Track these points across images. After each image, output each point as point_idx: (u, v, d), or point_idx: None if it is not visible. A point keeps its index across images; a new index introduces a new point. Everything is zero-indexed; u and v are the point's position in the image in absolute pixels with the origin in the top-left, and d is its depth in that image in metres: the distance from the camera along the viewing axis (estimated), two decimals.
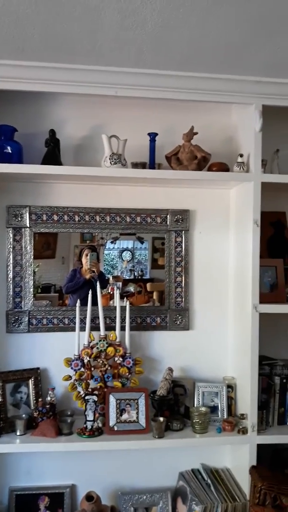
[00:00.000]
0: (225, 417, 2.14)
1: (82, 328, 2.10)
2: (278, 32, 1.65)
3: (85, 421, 1.99)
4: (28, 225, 2.15)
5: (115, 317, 2.14)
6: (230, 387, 2.20)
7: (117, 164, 2.00)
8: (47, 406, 2.02)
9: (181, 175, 2.04)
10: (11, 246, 2.15)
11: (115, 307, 2.15)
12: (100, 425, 2.02)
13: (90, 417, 1.99)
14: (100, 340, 2.10)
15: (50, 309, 2.19)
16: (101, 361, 2.08)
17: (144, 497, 2.16)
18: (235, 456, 2.22)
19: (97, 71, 1.91)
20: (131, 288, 2.27)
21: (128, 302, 2.16)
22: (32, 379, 2.12)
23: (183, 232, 2.27)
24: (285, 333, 2.39)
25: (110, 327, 2.16)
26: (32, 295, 2.17)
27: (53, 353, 2.17)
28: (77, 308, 2.10)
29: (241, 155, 2.08)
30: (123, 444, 1.96)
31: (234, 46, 1.74)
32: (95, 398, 2.00)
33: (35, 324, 2.17)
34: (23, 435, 1.97)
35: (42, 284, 2.19)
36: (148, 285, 2.28)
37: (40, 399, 2.08)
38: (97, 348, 2.09)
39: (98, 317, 2.12)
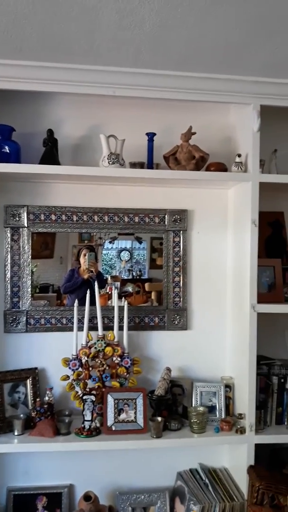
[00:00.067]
0: (223, 417, 2.14)
1: (80, 328, 2.10)
2: (277, 32, 1.65)
3: (83, 421, 1.99)
4: (26, 224, 2.15)
5: (113, 317, 2.14)
6: (228, 387, 2.20)
7: (115, 164, 2.00)
8: (45, 406, 2.02)
9: (179, 175, 2.04)
10: (9, 245, 2.15)
11: (113, 307, 2.15)
12: (98, 425, 2.02)
13: (88, 417, 1.99)
14: (98, 340, 2.10)
15: (48, 309, 2.18)
16: (99, 361, 2.08)
17: (142, 497, 2.17)
18: (233, 455, 2.23)
19: (95, 71, 1.91)
20: (130, 288, 2.26)
21: (126, 302, 2.16)
22: (30, 379, 2.12)
23: (181, 232, 2.27)
24: (283, 333, 2.39)
25: (108, 327, 2.16)
26: (30, 295, 2.17)
27: (51, 353, 2.17)
28: (75, 308, 2.10)
29: (239, 155, 2.08)
30: (121, 444, 1.96)
31: (233, 46, 1.74)
32: (93, 398, 2.00)
33: (33, 324, 2.17)
34: (21, 435, 1.96)
35: (40, 284, 2.19)
36: (147, 285, 2.28)
37: (38, 399, 2.07)
38: (95, 348, 2.09)
39: (96, 317, 2.12)
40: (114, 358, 2.08)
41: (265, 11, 1.53)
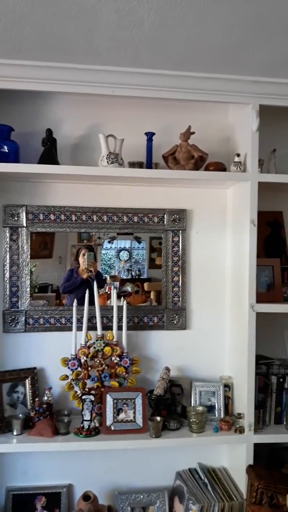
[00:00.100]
0: (222, 416, 2.14)
1: (79, 328, 2.10)
2: (276, 32, 1.65)
3: (82, 420, 1.99)
4: (24, 224, 2.15)
5: (112, 316, 2.14)
6: (227, 387, 2.20)
7: (114, 163, 1.99)
8: (44, 405, 2.02)
9: (178, 174, 2.04)
10: (8, 245, 2.15)
11: (112, 306, 2.15)
12: (97, 424, 2.02)
13: (87, 416, 1.99)
14: (97, 340, 2.10)
15: (47, 309, 2.18)
16: (98, 361, 2.08)
17: (141, 496, 2.16)
18: (232, 455, 2.23)
19: (94, 71, 1.91)
20: (129, 287, 2.26)
21: (125, 302, 2.15)
22: (29, 378, 2.12)
23: (180, 231, 2.27)
24: (282, 333, 2.39)
25: (107, 327, 2.16)
26: (29, 295, 2.17)
27: (50, 352, 2.17)
28: (74, 308, 2.09)
29: (238, 155, 2.08)
30: (120, 443, 1.96)
31: (232, 46, 1.74)
32: (92, 397, 2.00)
33: (32, 324, 2.17)
34: (20, 435, 1.96)
35: (39, 283, 2.19)
36: (146, 284, 2.28)
37: (37, 399, 2.07)
38: (94, 347, 2.09)
39: (95, 317, 2.12)
40: (113, 358, 2.08)
41: (264, 11, 1.53)
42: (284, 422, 2.16)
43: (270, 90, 2.02)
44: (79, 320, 2.11)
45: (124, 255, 2.26)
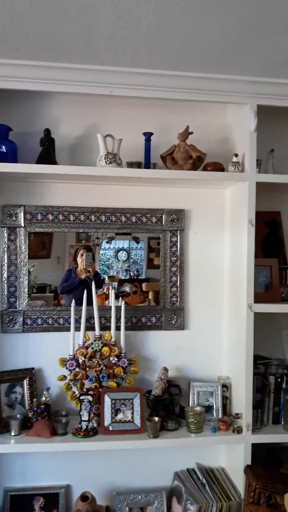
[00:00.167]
0: (220, 416, 2.14)
1: (77, 328, 2.09)
2: (274, 32, 1.65)
3: (80, 421, 1.99)
4: (22, 224, 2.15)
5: (110, 317, 2.13)
6: (225, 387, 2.20)
7: (112, 163, 1.99)
8: (42, 406, 2.02)
9: (176, 174, 2.04)
10: (6, 245, 2.14)
11: (110, 307, 2.14)
12: (95, 425, 2.02)
13: (85, 417, 1.99)
14: (95, 340, 2.09)
15: (45, 309, 2.18)
16: (96, 361, 2.08)
17: (139, 497, 2.16)
18: (230, 455, 2.23)
19: (92, 71, 1.91)
20: (127, 288, 2.26)
21: (123, 302, 2.15)
22: (27, 379, 2.11)
23: (178, 232, 2.27)
24: (279, 333, 2.40)
25: (105, 327, 2.16)
26: (27, 295, 2.16)
27: (48, 353, 2.16)
28: (72, 308, 2.09)
29: (236, 155, 2.09)
30: (118, 444, 1.96)
31: (230, 46, 1.75)
32: (90, 398, 1.99)
33: (29, 324, 2.17)
34: (18, 436, 1.96)
35: (37, 284, 2.18)
36: (144, 285, 2.28)
37: (34, 399, 2.07)
38: (92, 348, 2.09)
39: (93, 317, 2.11)
40: (111, 358, 2.08)
41: (262, 11, 1.53)
42: (282, 422, 2.16)
43: (268, 90, 2.02)
44: (77, 321, 2.11)
45: (122, 255, 2.26)
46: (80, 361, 2.06)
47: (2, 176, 2.02)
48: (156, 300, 2.27)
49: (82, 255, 2.20)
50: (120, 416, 2.02)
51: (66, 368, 2.06)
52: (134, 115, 2.20)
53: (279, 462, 2.18)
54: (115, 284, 2.25)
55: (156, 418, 2.02)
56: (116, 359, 2.08)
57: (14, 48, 1.76)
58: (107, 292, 2.24)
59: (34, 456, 2.17)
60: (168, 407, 2.15)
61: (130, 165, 2.09)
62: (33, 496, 2.14)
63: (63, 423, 1.99)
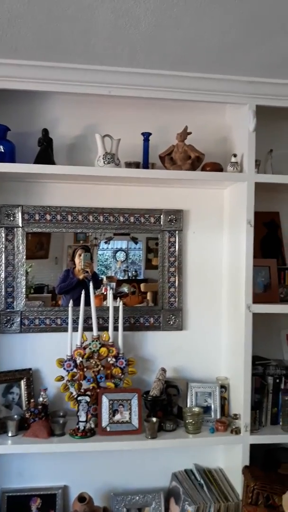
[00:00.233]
0: (218, 417, 2.14)
1: (75, 329, 2.09)
2: (272, 32, 1.65)
3: (77, 422, 1.98)
4: (20, 224, 2.14)
5: (108, 317, 2.13)
6: (223, 387, 2.20)
7: (110, 163, 1.99)
8: (39, 407, 2.01)
9: (175, 175, 2.04)
10: (3, 246, 2.14)
11: (108, 307, 2.14)
12: (92, 426, 2.01)
13: (83, 418, 1.98)
14: (93, 341, 2.09)
15: (42, 310, 2.17)
16: (93, 362, 2.07)
17: (137, 497, 2.16)
18: (228, 456, 2.22)
19: (90, 71, 1.90)
20: (125, 288, 2.26)
21: (121, 303, 2.15)
22: (24, 379, 2.11)
23: (177, 232, 2.26)
24: (278, 333, 2.39)
25: (103, 328, 2.15)
26: (25, 296, 2.16)
27: (46, 353, 2.16)
28: (70, 309, 2.09)
29: (235, 155, 2.08)
30: (115, 444, 1.95)
31: (228, 46, 1.74)
32: (87, 398, 1.99)
33: (27, 325, 2.16)
34: (15, 436, 1.95)
35: (35, 284, 2.18)
36: (142, 285, 2.27)
37: (32, 400, 2.06)
38: (90, 348, 2.08)
39: (91, 318, 2.11)
40: (109, 359, 2.08)
41: (260, 12, 1.53)
42: (280, 423, 2.15)
43: (267, 91, 2.02)
44: (75, 321, 2.10)
45: (120, 255, 2.26)
46: (78, 361, 2.06)
47: (0, 176, 2.02)
48: (154, 301, 2.26)
49: (80, 255, 2.19)
50: (117, 417, 2.02)
51: (64, 368, 2.06)
52: (132, 115, 2.20)
53: (277, 462, 2.18)
54: (113, 284, 2.25)
55: (154, 419, 2.02)
56: (114, 359, 2.07)
57: (12, 47, 1.76)
58: (105, 293, 2.23)
59: (31, 457, 2.16)
60: (166, 408, 2.15)
61: (129, 165, 2.09)
62: (30, 497, 2.13)
63: (61, 424, 1.99)
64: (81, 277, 2.19)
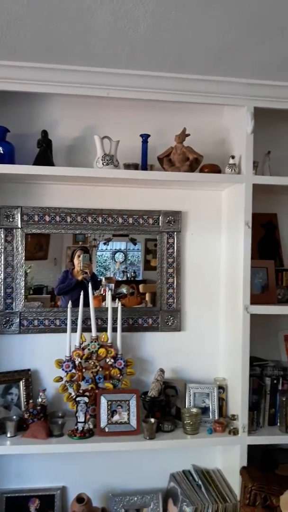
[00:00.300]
0: (216, 418, 2.14)
1: (74, 330, 2.09)
2: (270, 34, 1.66)
3: (76, 422, 1.99)
4: (19, 225, 2.15)
5: (107, 318, 2.13)
6: (221, 388, 2.20)
7: (109, 165, 2.00)
8: (38, 407, 2.01)
9: (173, 176, 2.05)
10: (2, 247, 2.14)
11: (107, 308, 2.15)
12: (91, 426, 2.02)
13: (81, 418, 1.98)
14: (91, 342, 2.09)
15: (41, 310, 2.18)
16: (92, 363, 2.07)
17: (135, 498, 2.16)
18: (226, 457, 2.23)
19: (89, 72, 1.91)
20: (124, 289, 2.26)
21: (120, 303, 2.15)
22: (23, 380, 2.11)
23: (175, 233, 2.27)
24: (276, 334, 2.40)
25: (101, 328, 2.15)
26: (24, 296, 2.16)
27: (44, 354, 2.16)
28: (69, 309, 2.09)
29: (233, 157, 2.09)
30: (114, 445, 1.95)
31: (226, 48, 1.75)
32: (86, 399, 1.99)
33: (26, 325, 2.16)
34: (14, 437, 1.95)
35: (34, 285, 2.18)
36: (141, 286, 2.28)
37: (31, 401, 2.07)
38: (89, 349, 2.09)
39: (90, 319, 2.11)
40: (108, 360, 2.08)
41: (259, 13, 1.53)
42: (278, 424, 2.16)
43: (265, 93, 2.03)
44: (74, 322, 2.11)
45: (119, 256, 2.26)
46: (77, 362, 2.06)
47: None
48: (153, 302, 2.27)
49: (79, 256, 2.20)
50: (116, 417, 2.02)
51: (63, 369, 2.06)
52: (131, 117, 2.21)
53: (275, 463, 2.19)
54: (112, 285, 2.25)
55: (152, 420, 2.02)
56: (112, 360, 2.08)
57: (12, 49, 1.77)
58: (104, 294, 2.24)
59: (30, 458, 2.16)
60: (164, 409, 2.15)
61: (127, 166, 2.10)
62: (29, 497, 2.13)
63: (59, 425, 1.99)
64: (80, 278, 2.20)
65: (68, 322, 2.09)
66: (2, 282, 2.14)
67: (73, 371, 2.06)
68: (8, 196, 2.15)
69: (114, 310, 2.14)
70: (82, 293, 2.11)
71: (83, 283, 2.19)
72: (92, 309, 2.11)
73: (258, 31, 1.64)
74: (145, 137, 2.12)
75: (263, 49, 1.76)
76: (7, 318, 2.15)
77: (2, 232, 2.14)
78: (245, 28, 1.62)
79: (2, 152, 1.96)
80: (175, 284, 2.27)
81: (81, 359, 2.06)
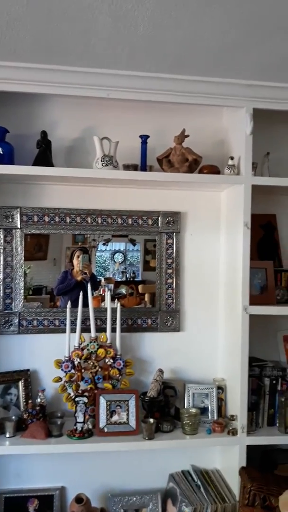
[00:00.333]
0: (215, 418, 2.15)
1: (73, 330, 2.09)
2: (270, 35, 1.66)
3: (75, 422, 1.99)
4: (19, 226, 2.15)
5: (106, 318, 2.14)
6: (220, 389, 2.21)
7: (108, 166, 2.00)
8: (37, 408, 2.02)
9: (172, 177, 2.05)
10: (2, 247, 2.14)
11: (106, 308, 2.15)
12: (90, 426, 2.02)
13: (80, 418, 1.98)
14: (90, 342, 2.09)
15: (40, 311, 2.18)
16: (91, 363, 2.07)
17: (134, 499, 2.16)
18: (225, 457, 2.23)
19: (89, 73, 1.91)
20: (123, 290, 2.27)
21: (119, 304, 2.16)
22: (22, 380, 2.11)
23: (174, 234, 2.28)
24: (275, 335, 2.40)
25: (101, 329, 2.16)
26: (23, 297, 2.16)
27: (44, 354, 2.16)
28: (68, 310, 2.09)
29: (232, 158, 2.10)
30: (113, 445, 1.96)
31: (226, 49, 1.76)
32: (85, 399, 1.99)
33: (25, 326, 2.17)
34: (13, 437, 1.96)
35: (33, 285, 2.18)
36: (140, 287, 2.28)
37: (30, 401, 2.07)
38: (88, 349, 2.09)
39: (89, 319, 2.12)
40: (107, 360, 2.08)
41: (259, 13, 1.53)
42: (277, 424, 2.16)
43: (264, 94, 2.03)
44: (73, 322, 2.11)
45: (118, 257, 2.27)
46: (76, 362, 2.06)
47: None
48: (152, 302, 2.27)
49: (78, 257, 2.20)
50: (115, 417, 2.02)
51: (62, 369, 2.06)
52: (130, 117, 2.21)
53: (274, 464, 2.19)
54: (111, 286, 2.25)
55: (151, 420, 2.02)
56: (111, 360, 2.08)
57: (11, 50, 1.77)
58: (103, 294, 2.24)
59: (28, 458, 2.16)
60: (163, 409, 2.15)
61: (127, 167, 2.10)
62: (28, 498, 2.13)
63: (58, 425, 1.99)
64: (79, 278, 2.20)
65: (68, 322, 2.09)
66: (1, 283, 2.14)
67: (72, 371, 2.06)
68: (7, 197, 2.16)
69: (113, 310, 2.15)
70: (81, 293, 2.11)
71: (83, 283, 2.19)
72: (91, 309, 2.11)
73: (258, 31, 1.64)
74: (144, 138, 2.12)
75: (263, 49, 1.76)
76: (6, 318, 2.15)
77: (1, 232, 2.14)
78: (245, 28, 1.62)
79: (1, 152, 1.96)
80: (174, 284, 2.28)
81: (80, 359, 2.06)
